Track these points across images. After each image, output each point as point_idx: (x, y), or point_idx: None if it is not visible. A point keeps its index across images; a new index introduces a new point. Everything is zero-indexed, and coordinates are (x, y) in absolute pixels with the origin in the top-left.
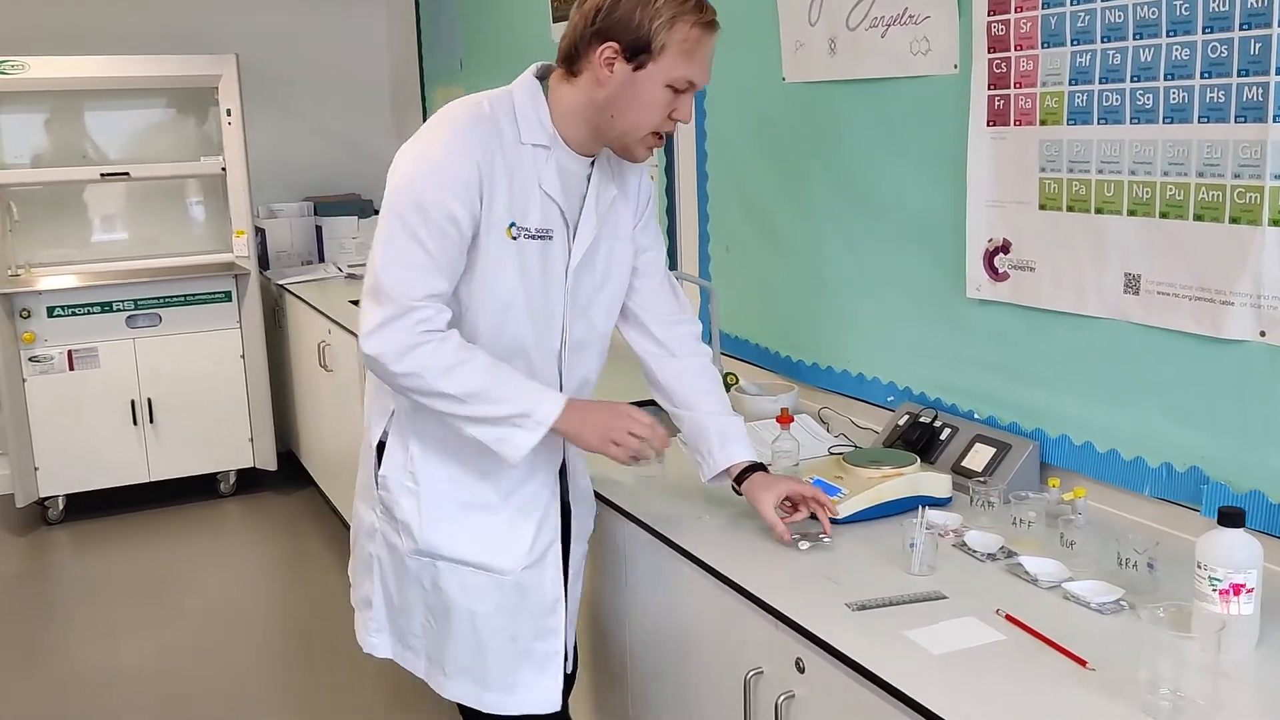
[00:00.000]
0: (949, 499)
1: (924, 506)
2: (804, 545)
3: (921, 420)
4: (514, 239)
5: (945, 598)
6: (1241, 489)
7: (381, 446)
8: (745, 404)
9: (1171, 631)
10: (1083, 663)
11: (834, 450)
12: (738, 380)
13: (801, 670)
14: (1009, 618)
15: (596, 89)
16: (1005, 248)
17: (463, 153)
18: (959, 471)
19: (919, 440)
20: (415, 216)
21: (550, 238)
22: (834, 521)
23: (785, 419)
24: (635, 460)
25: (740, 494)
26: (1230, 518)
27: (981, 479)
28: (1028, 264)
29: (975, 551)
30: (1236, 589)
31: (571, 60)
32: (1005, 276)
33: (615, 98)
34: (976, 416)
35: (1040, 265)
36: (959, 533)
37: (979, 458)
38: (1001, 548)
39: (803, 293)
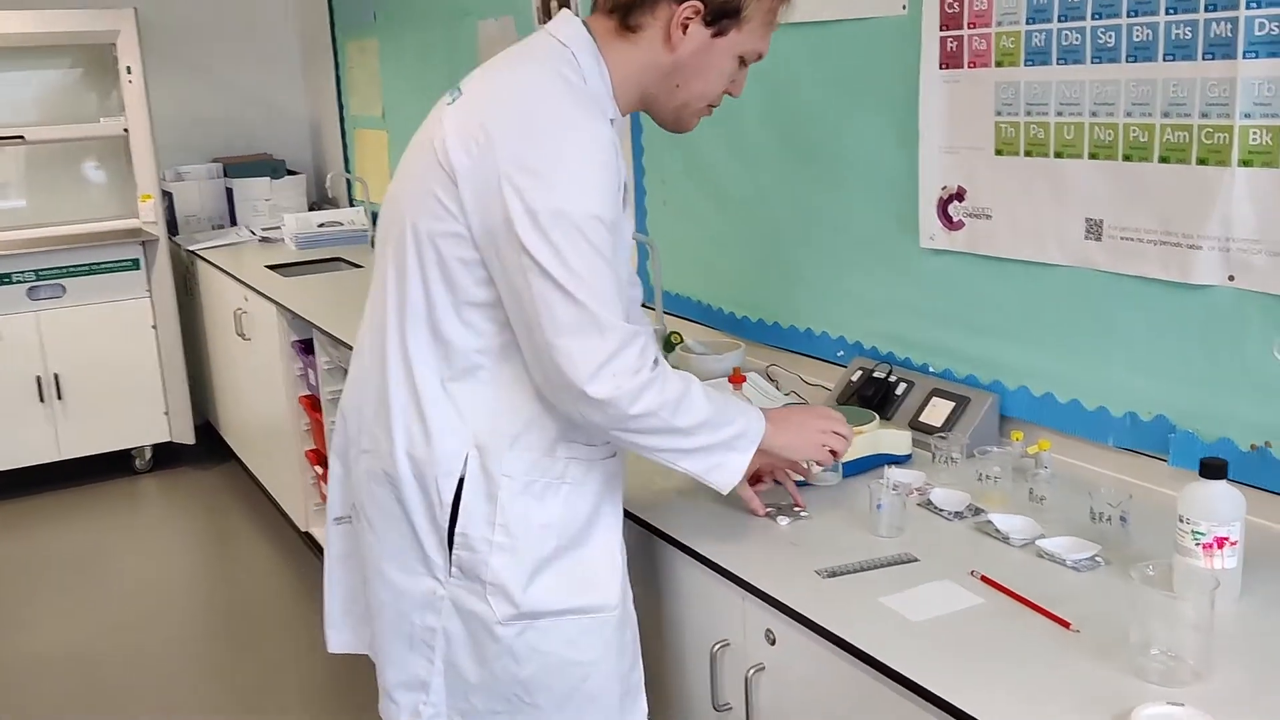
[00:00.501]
0: (909, 456)
1: (888, 466)
2: (784, 521)
3: (875, 375)
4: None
5: (917, 560)
6: (1210, 437)
7: (457, 498)
8: (691, 363)
9: (1164, 591)
10: (1066, 625)
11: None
12: (682, 339)
13: (772, 642)
14: (985, 579)
15: (664, 51)
16: (960, 195)
17: (607, 142)
18: (917, 427)
19: (874, 396)
20: (595, 228)
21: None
22: (798, 483)
23: (737, 379)
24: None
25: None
26: (1213, 469)
27: (942, 434)
28: (983, 211)
29: (942, 510)
30: (1220, 542)
31: (628, 12)
32: (960, 225)
33: (686, 64)
34: (932, 370)
35: (997, 213)
36: (923, 491)
37: (937, 412)
38: (969, 505)
39: (747, 247)
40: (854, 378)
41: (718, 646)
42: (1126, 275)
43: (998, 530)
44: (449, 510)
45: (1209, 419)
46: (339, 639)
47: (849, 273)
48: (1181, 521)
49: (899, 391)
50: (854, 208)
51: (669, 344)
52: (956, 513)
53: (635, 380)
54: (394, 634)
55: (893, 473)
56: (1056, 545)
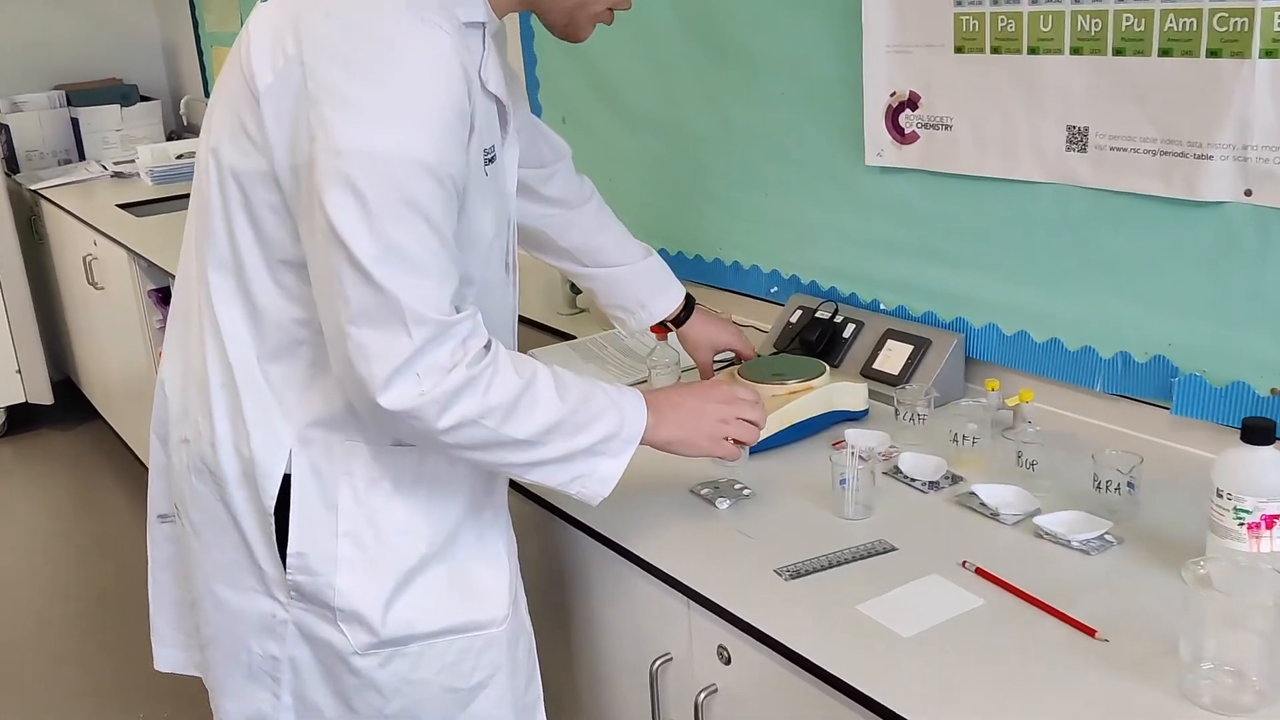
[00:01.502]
0: (866, 411)
1: (848, 430)
2: (723, 504)
3: (819, 315)
4: (488, 163)
5: (895, 549)
6: (1220, 380)
7: (282, 506)
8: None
9: (1220, 592)
10: (1091, 632)
11: (718, 358)
12: None
13: (726, 661)
14: (981, 572)
15: None
16: (912, 103)
17: (447, 58)
18: (871, 375)
19: (819, 340)
20: (420, 181)
21: (494, 157)
22: None
23: (661, 330)
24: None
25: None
26: (1259, 432)
27: (900, 383)
28: (942, 121)
29: (914, 480)
30: (1270, 521)
31: None
32: (913, 138)
33: None
34: (883, 307)
35: (958, 122)
36: (888, 456)
37: (894, 358)
38: (946, 474)
39: (661, 170)
40: (793, 318)
41: (659, 663)
42: (1117, 192)
43: (984, 505)
44: (273, 521)
45: (1219, 359)
46: (169, 657)
47: (782, 197)
48: (1219, 496)
49: (847, 334)
50: (786, 121)
51: (574, 287)
52: (931, 483)
53: (446, 383)
54: (229, 662)
55: (853, 436)
56: (1057, 523)
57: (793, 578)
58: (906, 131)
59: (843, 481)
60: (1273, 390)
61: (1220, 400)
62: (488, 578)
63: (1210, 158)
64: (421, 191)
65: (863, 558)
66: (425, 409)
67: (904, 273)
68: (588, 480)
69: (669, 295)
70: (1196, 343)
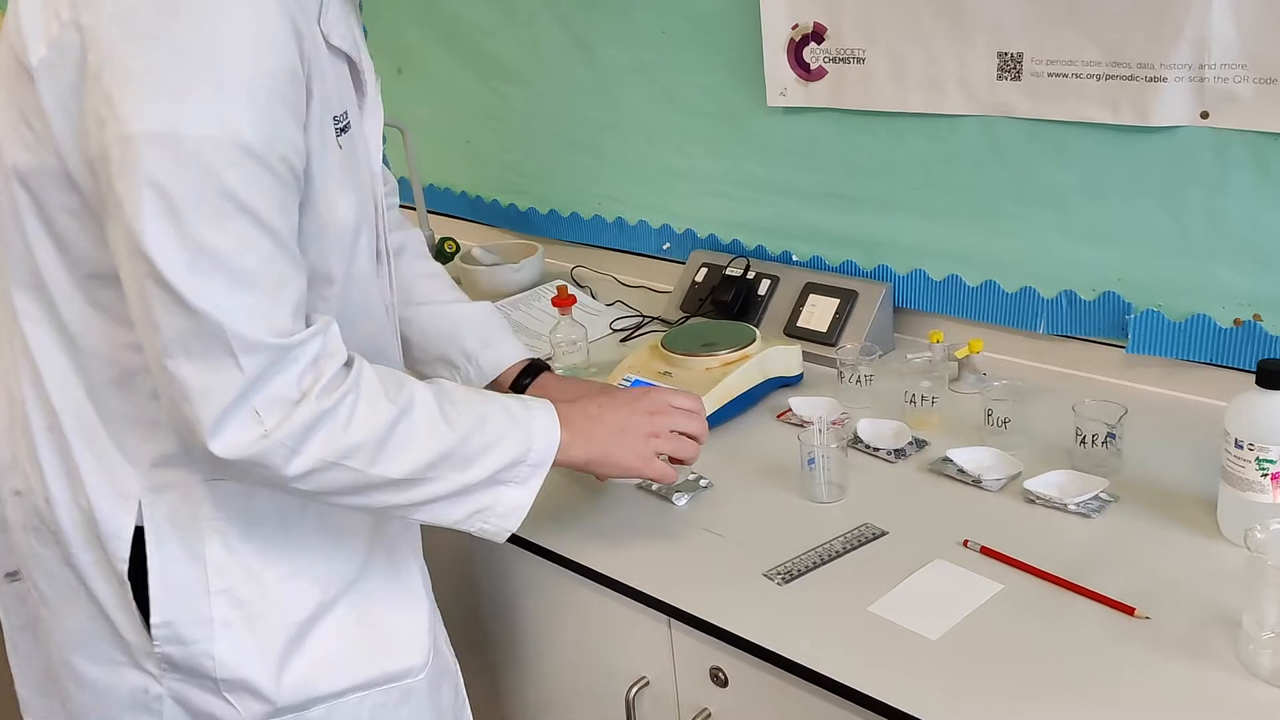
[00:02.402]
0: (800, 376)
1: (795, 401)
2: (681, 500)
3: (730, 273)
4: (341, 133)
5: (885, 533)
6: (1178, 314)
7: (140, 566)
8: (478, 279)
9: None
10: (1129, 610)
11: (619, 326)
12: (458, 247)
13: (723, 683)
14: (987, 551)
15: None
16: (818, 35)
17: (272, 16)
18: (797, 335)
19: (735, 301)
20: (239, 175)
21: (348, 125)
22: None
23: (565, 300)
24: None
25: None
26: (1277, 375)
27: (831, 342)
28: (853, 54)
29: (877, 450)
30: None
31: None
32: (821, 73)
33: None
34: (797, 259)
35: (871, 54)
36: (842, 423)
37: (819, 314)
38: (911, 440)
39: (523, 122)
40: (698, 277)
41: (635, 689)
42: (1057, 122)
43: (962, 471)
44: (129, 586)
45: (1176, 292)
46: None
47: (668, 145)
48: (1236, 446)
49: (762, 291)
50: (668, 62)
51: (442, 253)
52: (897, 450)
53: (293, 420)
54: None
55: (800, 406)
56: (1047, 485)
57: (786, 581)
58: (813, 67)
59: (810, 462)
60: (1237, 321)
61: (1179, 335)
62: (402, 620)
63: (1163, 80)
64: (243, 182)
65: (854, 548)
66: (270, 454)
67: (817, 220)
68: (489, 515)
69: (505, 348)
70: (1150, 276)
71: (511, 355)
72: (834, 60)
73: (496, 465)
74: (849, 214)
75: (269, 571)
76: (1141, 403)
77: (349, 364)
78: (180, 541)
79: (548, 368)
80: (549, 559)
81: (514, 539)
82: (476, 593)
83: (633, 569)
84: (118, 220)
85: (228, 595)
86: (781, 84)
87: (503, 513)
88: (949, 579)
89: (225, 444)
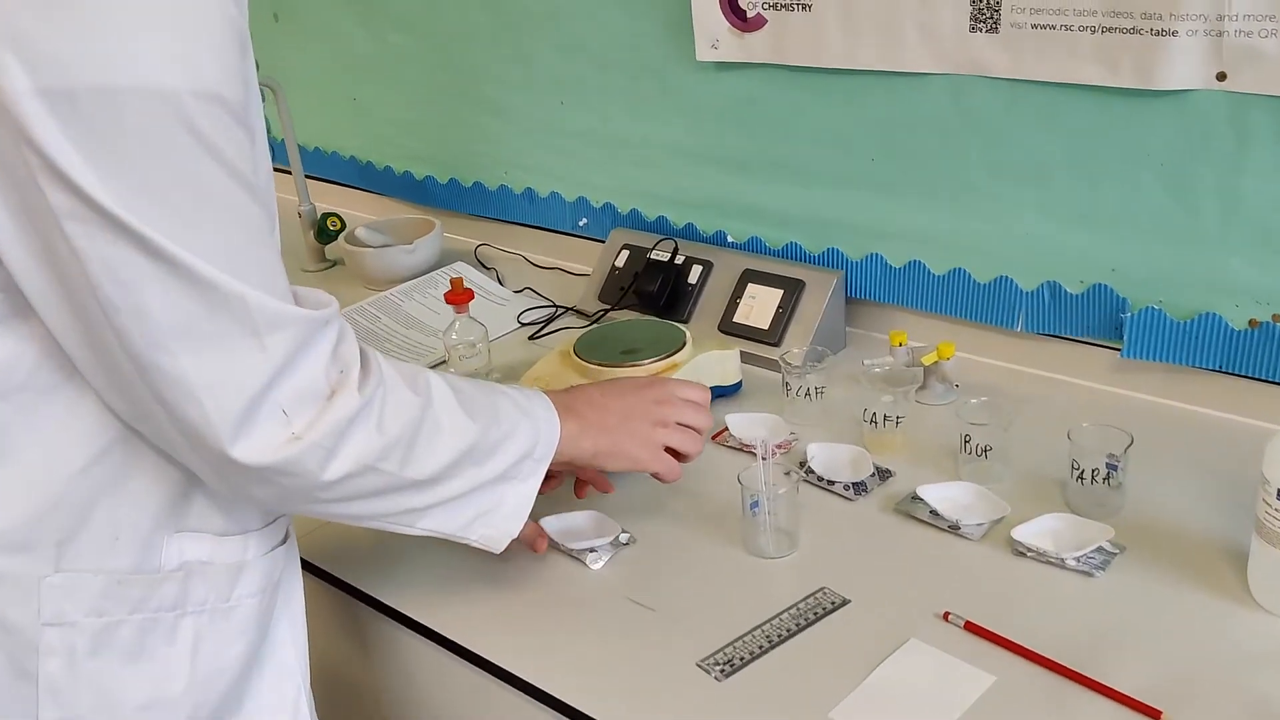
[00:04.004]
0: (739, 384)
1: (732, 419)
2: (597, 562)
3: (656, 257)
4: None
5: (847, 601)
6: (1183, 312)
7: None
8: (364, 262)
9: None
10: (1155, 714)
11: (527, 319)
12: (342, 224)
13: None
14: (972, 627)
15: None
16: None
17: None
18: (732, 332)
19: (661, 291)
20: (216, 121)
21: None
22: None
23: (461, 295)
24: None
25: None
26: None
27: (773, 341)
28: (796, 0)
29: (833, 484)
30: None
31: None
32: (759, 23)
33: None
34: (732, 240)
35: (818, 0)
36: (786, 447)
37: (759, 307)
38: (873, 471)
39: (417, 76)
40: (619, 261)
41: None
42: (1041, 83)
43: (935, 514)
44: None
45: (1181, 286)
46: None
47: (587, 104)
48: (1278, 498)
49: (693, 279)
50: (587, 6)
51: (324, 231)
52: (856, 484)
53: (330, 416)
54: None
55: (738, 425)
56: (1039, 534)
57: (726, 674)
58: (749, 15)
59: (754, 506)
60: (1252, 322)
61: (1184, 337)
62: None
63: (1173, 34)
64: (218, 133)
65: (809, 623)
66: (305, 458)
67: (755, 195)
68: (493, 517)
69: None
70: (1150, 267)
71: None
72: (774, 6)
73: (511, 459)
74: (792, 188)
75: (124, 697)
76: (1138, 415)
77: (367, 355)
78: (4, 653)
79: None
80: (436, 641)
81: (379, 606)
82: (357, 689)
83: (537, 659)
84: (37, 195)
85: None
86: (713, 35)
87: (507, 513)
88: (928, 668)
89: (251, 448)
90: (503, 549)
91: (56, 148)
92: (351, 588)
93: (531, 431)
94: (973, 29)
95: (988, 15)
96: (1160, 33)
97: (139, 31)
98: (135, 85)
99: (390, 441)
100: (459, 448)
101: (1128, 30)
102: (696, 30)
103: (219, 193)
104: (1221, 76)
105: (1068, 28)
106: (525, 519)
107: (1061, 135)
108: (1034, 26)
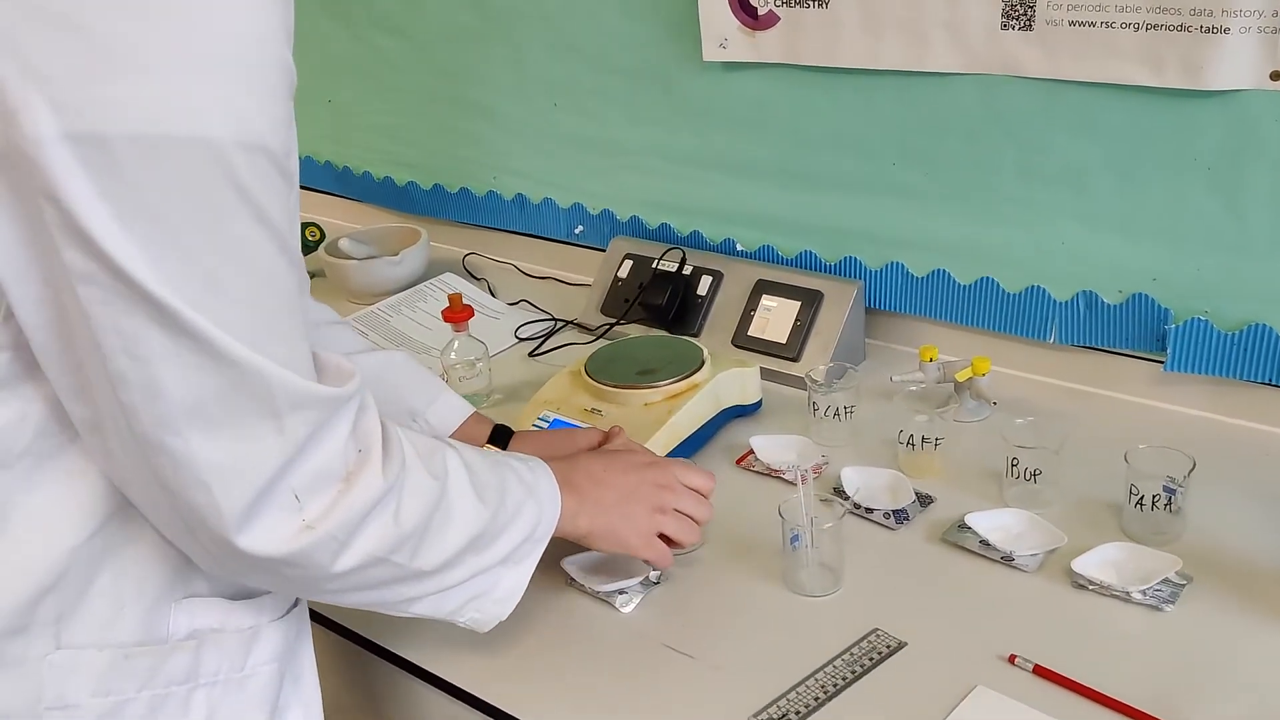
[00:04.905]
0: (759, 403)
1: (758, 442)
2: (627, 605)
3: (663, 268)
4: None
5: (904, 645)
6: (1230, 324)
7: None
8: (347, 275)
9: None
10: None
11: (525, 334)
12: (321, 234)
13: None
14: (1042, 671)
15: None
16: None
17: None
18: (747, 347)
19: (671, 304)
20: (263, 179)
21: None
22: None
23: (460, 313)
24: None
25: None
26: None
27: (792, 356)
28: None
29: (871, 512)
30: None
31: None
32: (770, 20)
33: None
34: (742, 249)
35: None
36: (820, 470)
37: (776, 320)
38: (915, 496)
39: (399, 79)
40: (622, 272)
41: None
42: (1079, 83)
43: (986, 544)
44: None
45: (1228, 297)
46: None
47: (582, 107)
48: None
49: (703, 290)
50: (585, 10)
51: (303, 243)
52: (897, 512)
53: (346, 505)
54: None
55: (764, 448)
56: (1100, 566)
57: None
58: (761, 12)
59: (795, 539)
60: None
61: (1232, 349)
62: None
63: (1224, 31)
64: (262, 184)
65: (866, 670)
66: (316, 550)
67: (766, 202)
68: (484, 601)
69: (450, 400)
70: (1195, 276)
71: (459, 409)
72: (788, 4)
73: (514, 544)
74: (806, 195)
75: None
76: (1184, 432)
77: (386, 433)
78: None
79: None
80: (451, 694)
81: (405, 664)
82: None
83: (568, 713)
84: (49, 251)
85: None
86: (721, 34)
87: (500, 597)
88: (1002, 719)
89: (259, 538)
90: (487, 630)
91: (81, 200)
92: (360, 637)
93: (535, 512)
94: (1004, 26)
95: (1021, 12)
96: (1210, 30)
97: (187, 75)
98: (179, 134)
99: (406, 533)
100: (468, 535)
101: (1174, 27)
102: (703, 29)
103: (255, 255)
104: (1276, 76)
105: (1108, 25)
106: (517, 602)
107: (1101, 138)
108: (1071, 24)
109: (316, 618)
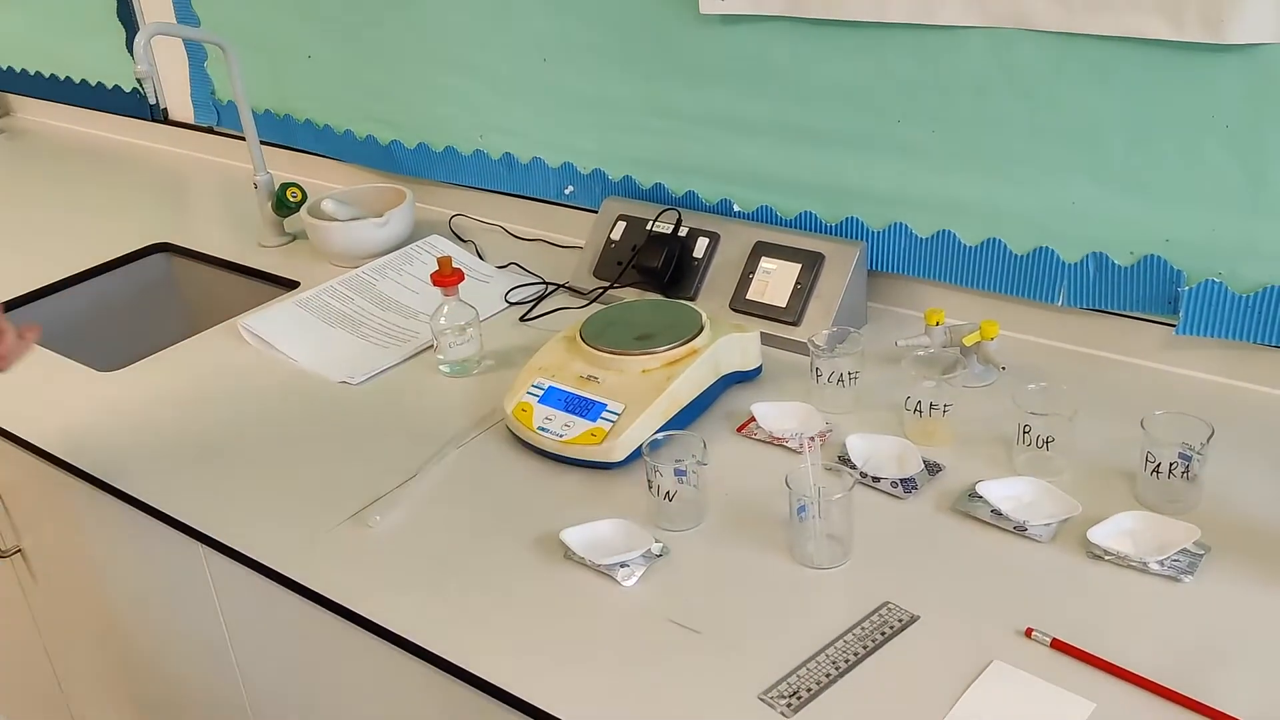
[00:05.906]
0: (759, 369)
1: (759, 409)
2: (629, 579)
3: (658, 230)
4: None
5: (916, 618)
6: (1246, 286)
7: None
8: (330, 237)
9: None
10: None
11: (515, 298)
12: (303, 195)
13: None
14: (1060, 645)
15: None
16: None
17: None
18: (745, 311)
19: (666, 266)
20: None
21: None
22: (602, 466)
23: (450, 276)
24: None
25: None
26: None
27: (792, 320)
28: None
29: (878, 480)
30: None
31: None
32: None
33: None
34: (739, 210)
35: None
36: (825, 438)
37: (775, 284)
38: (924, 465)
39: (377, 33)
40: (615, 235)
41: None
42: (1093, 37)
43: (998, 514)
44: None
45: (1243, 258)
46: None
47: (572, 61)
48: None
49: (699, 253)
50: None
51: (283, 203)
52: (905, 481)
53: None
54: None
55: (766, 415)
56: (1116, 535)
57: (794, 707)
58: None
59: (801, 510)
60: None
61: (1247, 311)
62: None
63: None
64: None
65: (877, 645)
66: None
67: (765, 161)
68: None
69: None
70: (1209, 237)
71: None
72: None
73: None
74: (807, 153)
75: None
76: (1196, 396)
77: None
78: None
79: None
80: (443, 669)
81: (403, 644)
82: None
83: (569, 691)
84: None
85: None
86: None
87: None
88: (1019, 695)
89: None
90: None
91: None
92: (341, 608)
93: None
94: None
95: None
96: None
97: None
98: None
99: None
100: None
101: None
102: None
103: None
104: None
105: None
106: None
107: (1115, 94)
108: None
109: (305, 591)
